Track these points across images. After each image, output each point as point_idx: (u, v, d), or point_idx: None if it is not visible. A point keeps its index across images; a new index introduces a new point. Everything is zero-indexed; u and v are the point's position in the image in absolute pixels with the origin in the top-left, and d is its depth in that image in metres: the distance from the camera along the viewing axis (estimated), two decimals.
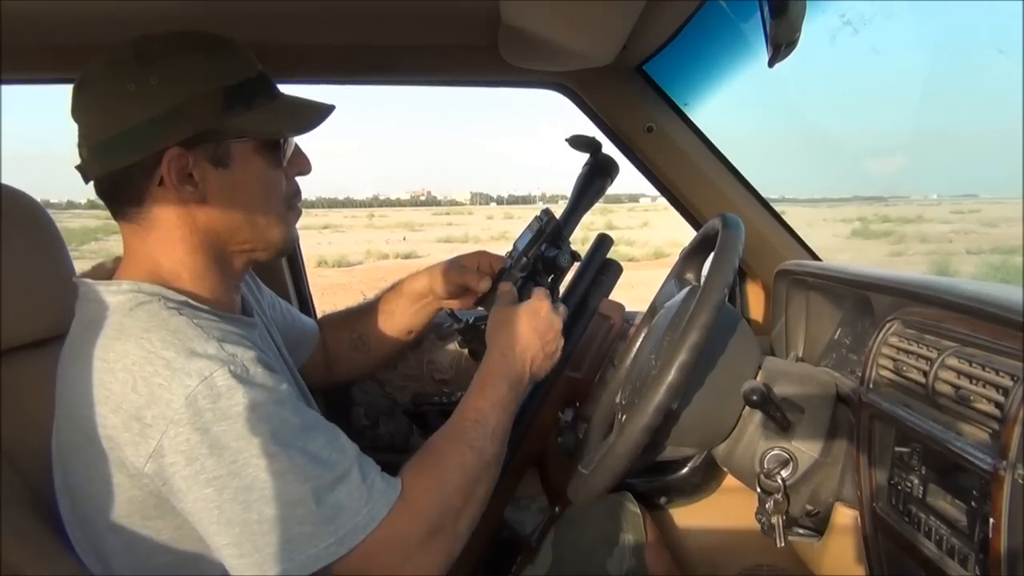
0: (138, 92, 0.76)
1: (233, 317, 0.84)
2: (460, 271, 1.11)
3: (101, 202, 0.83)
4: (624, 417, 0.88)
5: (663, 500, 1.41)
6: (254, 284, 1.08)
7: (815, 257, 1.36)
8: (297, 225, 0.93)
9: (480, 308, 1.11)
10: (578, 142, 1.07)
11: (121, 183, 0.80)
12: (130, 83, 0.76)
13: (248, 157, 0.82)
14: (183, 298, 0.79)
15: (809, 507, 0.91)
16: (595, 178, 1.09)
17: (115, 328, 0.73)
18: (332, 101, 0.86)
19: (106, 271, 0.85)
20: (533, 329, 0.95)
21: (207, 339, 0.72)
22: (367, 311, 1.21)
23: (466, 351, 1.11)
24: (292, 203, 0.89)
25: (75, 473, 0.75)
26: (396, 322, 1.19)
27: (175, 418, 0.68)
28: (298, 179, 0.91)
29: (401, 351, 1.27)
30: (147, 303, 0.75)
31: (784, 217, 1.37)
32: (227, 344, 0.73)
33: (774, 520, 0.87)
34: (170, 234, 0.81)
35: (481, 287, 1.08)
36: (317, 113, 0.85)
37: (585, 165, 1.09)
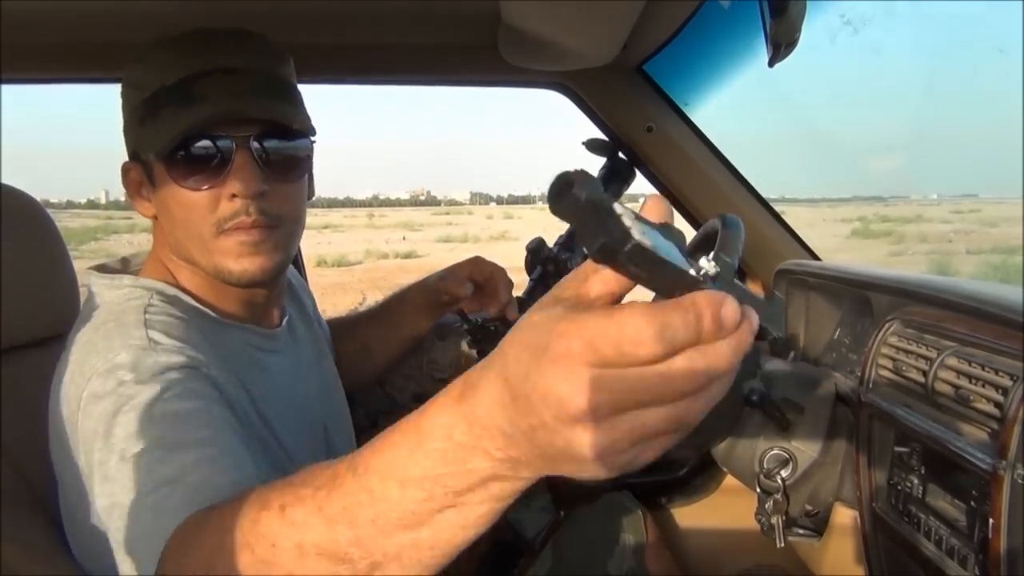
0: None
1: (233, 325, 0.81)
2: (454, 282, 1.10)
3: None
4: None
5: (663, 500, 1.41)
6: (300, 289, 1.05)
7: (815, 257, 1.36)
8: None
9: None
10: (595, 146, 1.07)
11: None
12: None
13: (163, 175, 0.76)
14: (175, 293, 0.78)
15: (809, 507, 0.91)
16: (611, 182, 1.09)
17: (92, 326, 0.73)
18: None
19: (132, 266, 0.85)
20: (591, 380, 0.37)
21: (137, 337, 0.69)
22: (370, 319, 1.20)
23: (475, 351, 1.10)
24: (224, 228, 0.75)
25: (59, 473, 0.75)
26: (400, 330, 1.18)
27: (83, 408, 0.66)
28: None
29: (404, 357, 1.27)
30: (136, 299, 0.74)
31: (784, 217, 1.37)
32: (162, 343, 0.69)
33: (774, 520, 0.87)
34: (162, 239, 0.81)
35: (462, 292, 1.05)
36: (183, 132, 0.73)
37: (602, 169, 1.09)
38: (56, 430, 0.72)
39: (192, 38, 0.77)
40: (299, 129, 0.78)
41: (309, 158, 0.82)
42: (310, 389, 0.91)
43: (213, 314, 0.80)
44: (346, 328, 1.21)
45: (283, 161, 0.78)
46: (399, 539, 0.40)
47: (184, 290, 0.79)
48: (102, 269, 0.83)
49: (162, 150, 0.74)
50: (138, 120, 0.77)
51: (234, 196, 0.75)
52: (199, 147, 0.74)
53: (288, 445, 0.81)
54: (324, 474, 0.43)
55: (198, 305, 0.79)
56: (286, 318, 0.93)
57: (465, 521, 0.39)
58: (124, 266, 0.85)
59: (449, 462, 0.38)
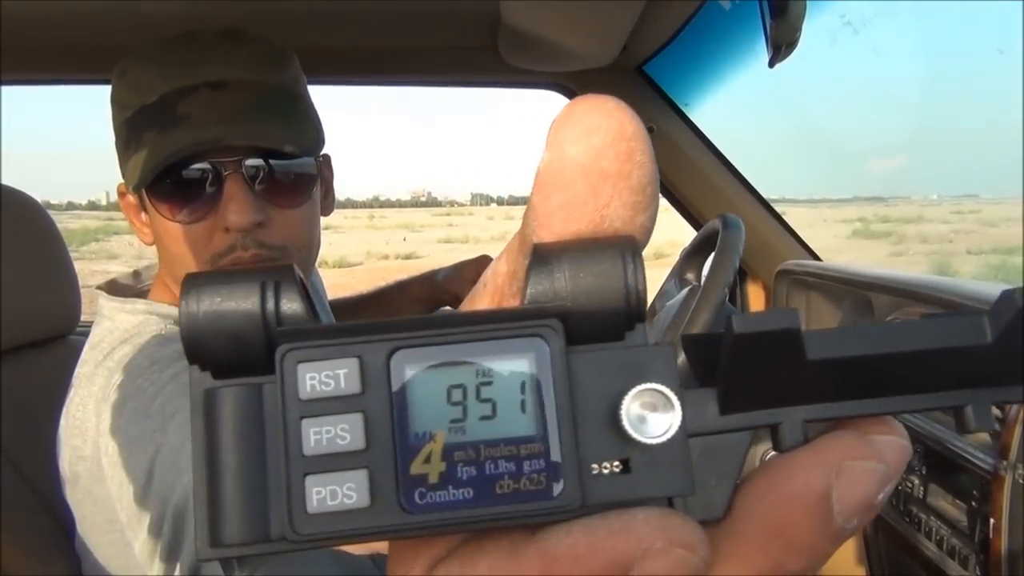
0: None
1: None
2: (459, 283, 1.09)
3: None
4: None
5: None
6: (315, 296, 0.97)
7: (815, 257, 1.36)
8: None
9: None
10: None
11: None
12: None
13: (150, 206, 0.69)
14: None
15: None
16: None
17: (107, 354, 0.68)
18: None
19: (144, 280, 0.81)
20: None
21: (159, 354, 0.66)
22: (364, 305, 1.18)
23: None
24: (220, 264, 0.68)
25: (76, 502, 0.70)
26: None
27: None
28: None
29: None
30: (152, 326, 0.69)
31: (784, 217, 1.37)
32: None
33: None
34: (167, 264, 0.75)
35: (465, 293, 1.06)
36: (162, 161, 0.65)
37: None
38: (71, 469, 0.67)
39: (176, 46, 0.69)
40: (293, 151, 0.68)
41: (314, 176, 0.74)
42: None
43: None
44: (337, 311, 1.20)
45: (283, 184, 0.70)
46: None
47: None
48: (112, 286, 0.77)
49: (144, 180, 0.66)
50: (123, 142, 0.69)
51: (228, 229, 0.67)
52: (184, 176, 0.66)
53: None
54: None
55: None
56: None
57: None
58: (136, 280, 0.81)
59: None
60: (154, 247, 0.75)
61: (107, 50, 0.80)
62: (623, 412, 0.14)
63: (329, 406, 0.14)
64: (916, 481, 0.76)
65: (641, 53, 1.22)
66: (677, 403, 0.14)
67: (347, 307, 1.17)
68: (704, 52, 1.24)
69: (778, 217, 1.37)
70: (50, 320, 0.91)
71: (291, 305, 0.15)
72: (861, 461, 0.14)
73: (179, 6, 0.93)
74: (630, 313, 0.15)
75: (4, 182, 0.89)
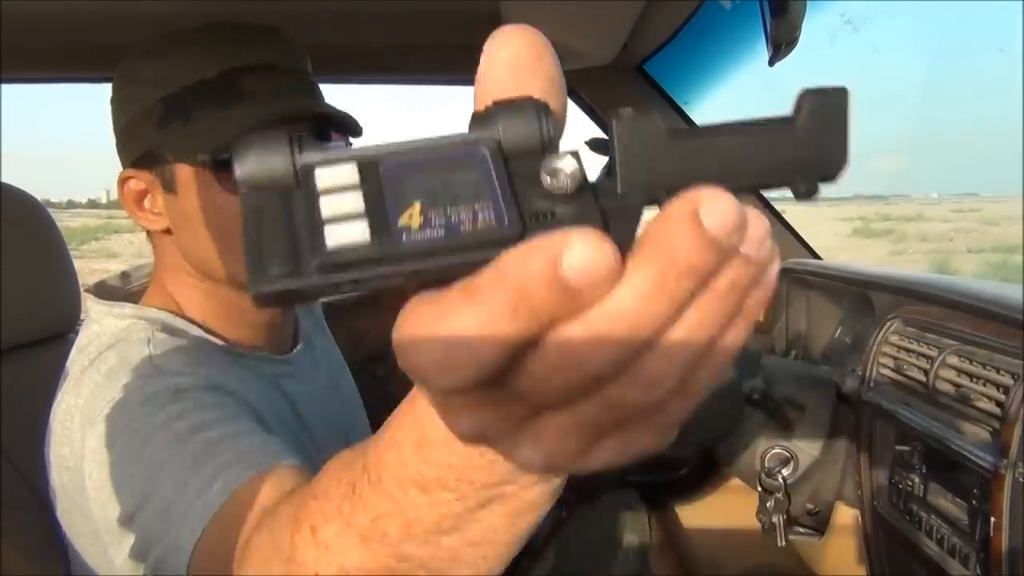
0: (113, 106, 0.73)
1: (245, 354, 0.75)
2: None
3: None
4: None
5: (665, 499, 1.41)
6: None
7: (815, 256, 1.36)
8: None
9: None
10: (596, 145, 1.07)
11: None
12: (111, 97, 0.73)
13: (191, 180, 0.69)
14: (182, 325, 0.72)
15: (810, 506, 0.91)
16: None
17: (92, 360, 0.68)
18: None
19: (132, 281, 0.80)
20: None
21: (143, 371, 0.65)
22: (366, 303, 1.18)
23: None
24: None
25: (65, 515, 0.69)
26: (395, 319, 1.16)
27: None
28: None
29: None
30: (141, 332, 0.68)
31: (784, 216, 1.37)
32: (168, 369, 0.66)
33: (775, 519, 0.87)
34: (167, 260, 0.74)
35: None
36: (239, 133, 0.62)
37: (603, 168, 1.09)
38: (59, 479, 0.67)
39: (223, 31, 0.71)
40: (353, 125, 0.72)
41: None
42: (330, 409, 0.86)
43: (222, 343, 0.73)
44: (337, 310, 1.19)
45: None
46: (447, 543, 0.30)
47: (191, 320, 0.73)
48: (100, 288, 0.77)
49: (216, 151, 0.66)
50: (155, 121, 0.69)
51: None
52: None
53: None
54: (342, 483, 0.33)
55: (206, 335, 0.72)
56: (304, 339, 0.86)
57: (517, 507, 0.28)
58: (124, 282, 0.80)
59: (462, 453, 0.27)
60: (154, 244, 0.75)
61: (107, 50, 0.79)
62: (544, 174, 0.20)
63: (337, 189, 0.20)
64: (917, 480, 0.76)
65: (641, 52, 1.22)
66: (576, 162, 0.21)
67: (347, 306, 1.17)
68: (704, 51, 1.23)
69: (778, 215, 1.37)
70: (50, 319, 0.91)
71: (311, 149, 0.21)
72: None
73: (179, 6, 0.93)
74: (544, 144, 0.22)
75: (4, 181, 0.89)
